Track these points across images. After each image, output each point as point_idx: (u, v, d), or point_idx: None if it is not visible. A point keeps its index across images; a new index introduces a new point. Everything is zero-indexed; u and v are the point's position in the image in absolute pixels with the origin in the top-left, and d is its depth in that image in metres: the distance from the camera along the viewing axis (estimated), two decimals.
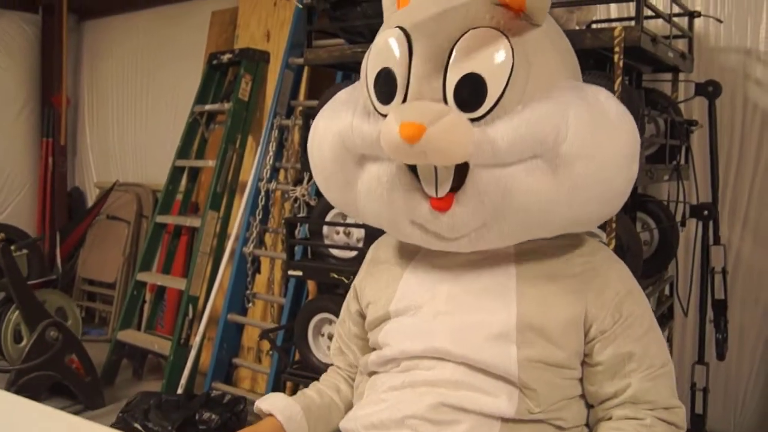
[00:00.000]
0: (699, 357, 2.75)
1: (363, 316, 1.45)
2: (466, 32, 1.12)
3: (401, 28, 1.17)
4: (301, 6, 3.13)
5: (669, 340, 2.97)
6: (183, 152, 4.26)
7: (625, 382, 1.22)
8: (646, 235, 2.79)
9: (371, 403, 1.31)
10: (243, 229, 3.73)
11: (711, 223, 2.63)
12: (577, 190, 1.12)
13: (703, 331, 2.67)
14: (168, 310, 4.55)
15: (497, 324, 1.21)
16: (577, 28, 2.57)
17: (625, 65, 2.60)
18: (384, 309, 1.34)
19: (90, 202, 5.81)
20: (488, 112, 1.11)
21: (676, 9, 2.73)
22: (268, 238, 3.82)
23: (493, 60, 1.11)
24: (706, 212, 2.59)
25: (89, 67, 5.97)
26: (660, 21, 2.56)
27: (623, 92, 2.21)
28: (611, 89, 2.21)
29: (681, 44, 2.84)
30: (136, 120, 5.55)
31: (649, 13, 2.51)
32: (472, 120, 1.11)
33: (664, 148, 2.61)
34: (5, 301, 3.77)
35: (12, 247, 3.72)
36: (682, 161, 2.83)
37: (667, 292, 2.92)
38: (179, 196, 4.38)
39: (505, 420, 1.19)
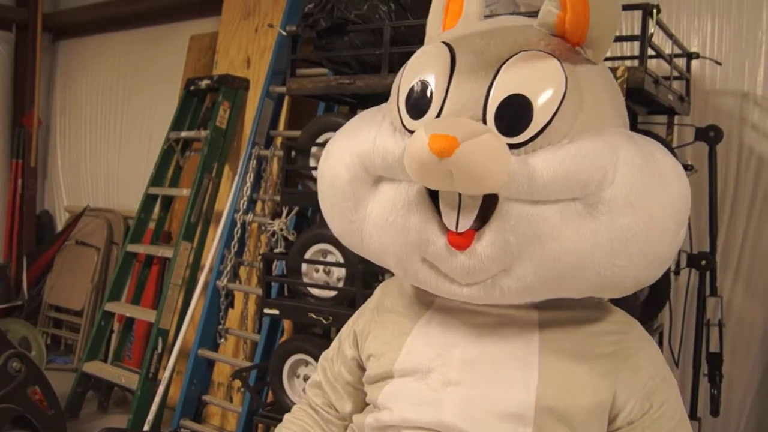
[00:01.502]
0: (691, 412, 2.60)
1: (360, 366, 1.30)
2: (517, 53, 1.00)
3: (445, 43, 1.05)
4: (284, 33, 2.99)
5: None
6: (157, 180, 4.08)
7: None
8: None
9: None
10: (217, 261, 3.54)
11: (708, 274, 2.48)
12: (617, 244, 0.97)
13: (696, 385, 2.52)
14: (136, 341, 4.36)
15: (514, 402, 1.06)
16: None
17: None
18: (387, 366, 1.18)
19: (60, 226, 5.61)
20: (531, 140, 0.97)
21: (676, 50, 2.62)
22: (243, 272, 3.63)
23: (544, 84, 0.98)
24: (703, 262, 2.45)
25: (62, 88, 5.79)
26: (658, 61, 2.43)
27: None
28: None
29: (678, 86, 2.73)
30: (110, 143, 5.36)
31: (651, 53, 2.39)
32: (512, 146, 0.98)
33: None
34: None
35: None
36: None
37: (658, 341, 2.79)
38: (152, 225, 4.19)
39: None
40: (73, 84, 5.69)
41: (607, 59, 2.75)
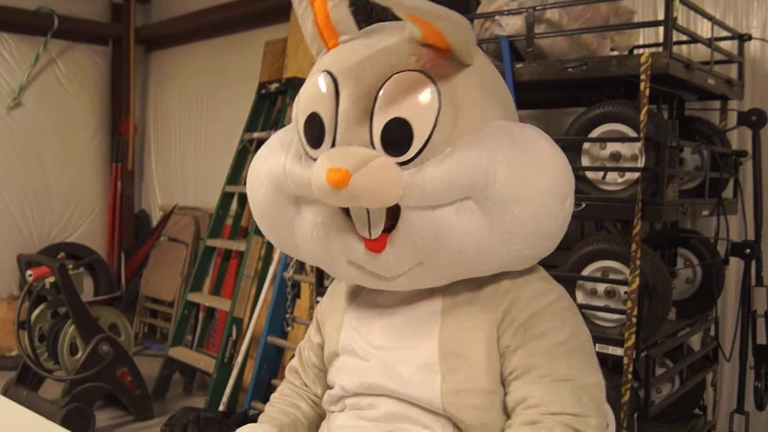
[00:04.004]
0: (738, 405, 2.47)
1: (322, 347, 1.38)
2: (390, 77, 1.05)
3: (328, 72, 1.11)
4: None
5: (713, 385, 2.70)
6: (232, 178, 4.20)
7: (525, 390, 1.11)
8: (689, 273, 2.54)
9: None
10: (284, 254, 3.59)
11: (753, 263, 2.34)
12: (509, 232, 1.06)
13: (743, 378, 2.39)
14: (218, 329, 4.47)
15: (422, 355, 1.16)
16: (615, 53, 2.36)
17: (663, 93, 2.39)
18: (335, 346, 1.29)
19: (155, 225, 5.81)
20: (416, 156, 1.05)
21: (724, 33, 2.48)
22: (308, 265, 3.66)
23: (419, 103, 1.05)
24: (747, 250, 2.33)
25: (155, 96, 6.01)
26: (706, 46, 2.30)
27: (650, 121, 1.99)
28: (637, 118, 1.99)
29: (732, 70, 2.58)
30: (196, 146, 5.53)
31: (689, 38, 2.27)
32: (401, 164, 1.06)
33: (706, 181, 2.36)
34: (64, 316, 3.77)
35: (69, 266, 3.68)
36: (730, 194, 2.56)
37: (713, 333, 2.66)
38: (229, 221, 4.31)
39: None
40: (164, 91, 5.90)
41: (641, 46, 2.64)
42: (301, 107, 1.15)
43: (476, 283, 1.18)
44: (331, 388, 1.29)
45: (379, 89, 1.06)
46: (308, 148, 1.13)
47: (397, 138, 1.05)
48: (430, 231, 1.07)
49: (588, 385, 1.13)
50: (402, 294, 1.22)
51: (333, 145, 1.10)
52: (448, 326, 1.16)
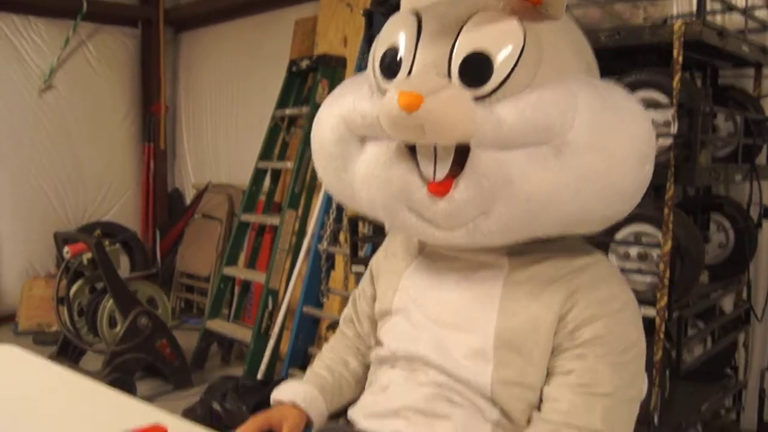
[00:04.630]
0: None
1: (375, 300, 1.38)
2: (475, 13, 1.04)
3: (412, 9, 1.11)
4: (362, 14, 3.06)
5: (745, 345, 2.76)
6: (265, 155, 4.27)
7: (561, 391, 1.11)
8: (722, 238, 2.60)
9: (371, 393, 1.30)
10: (317, 227, 3.68)
11: None
12: (582, 182, 1.02)
13: None
14: (254, 301, 4.58)
15: (477, 340, 1.14)
16: (645, 21, 2.39)
17: (696, 61, 2.43)
18: (387, 305, 1.29)
19: (188, 202, 5.91)
20: (493, 92, 1.02)
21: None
22: (342, 236, 3.74)
23: (502, 39, 1.03)
24: None
25: (185, 76, 6.07)
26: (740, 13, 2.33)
27: (683, 88, 2.04)
28: (670, 85, 2.03)
29: (767, 38, 2.60)
30: (228, 124, 5.60)
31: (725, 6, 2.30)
32: (477, 99, 1.02)
33: (739, 147, 2.40)
34: (102, 290, 3.88)
35: (106, 242, 3.79)
36: (764, 161, 2.61)
37: (745, 296, 2.71)
38: (263, 197, 4.40)
39: (495, 424, 1.15)
40: (194, 72, 5.96)
41: (675, 16, 2.66)
42: (380, 41, 1.14)
43: (539, 272, 1.15)
44: (380, 344, 1.30)
45: (463, 25, 1.04)
46: (382, 81, 1.11)
47: (475, 71, 1.02)
48: (499, 174, 1.02)
49: (626, 401, 1.12)
50: (461, 267, 1.20)
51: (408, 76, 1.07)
52: (506, 316, 1.13)
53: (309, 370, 1.42)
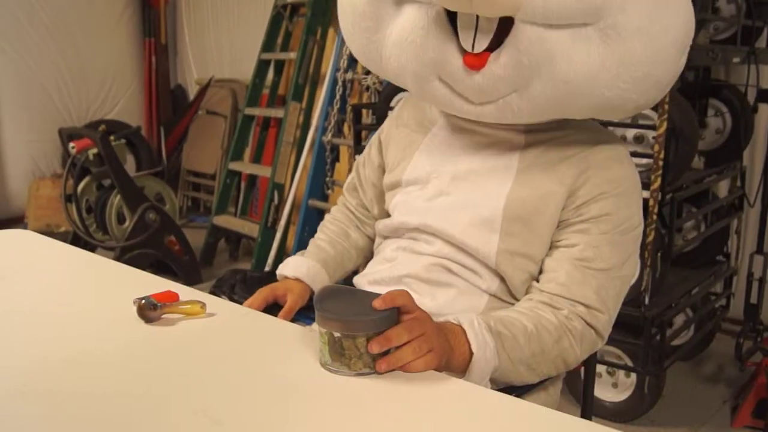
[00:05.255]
0: (758, 247, 2.64)
1: (383, 169, 1.44)
2: None
3: None
4: None
5: (737, 232, 2.87)
6: (267, 46, 4.30)
7: (559, 264, 1.18)
8: (719, 123, 2.66)
9: (377, 263, 1.37)
10: (321, 118, 3.76)
11: None
12: (623, 68, 1.04)
13: (764, 220, 2.53)
14: (260, 197, 4.69)
15: (487, 210, 1.20)
16: None
17: None
18: (398, 176, 1.34)
19: (192, 99, 5.93)
20: None
21: None
22: (347, 127, 3.84)
23: None
24: None
25: None
26: None
27: None
28: None
29: None
30: (229, 16, 5.56)
31: None
32: None
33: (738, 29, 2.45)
34: (109, 187, 3.98)
35: (111, 137, 3.88)
36: (764, 45, 2.65)
37: (739, 183, 2.80)
38: (266, 91, 4.45)
39: (492, 295, 1.23)
40: None
41: None
42: None
43: (555, 148, 1.20)
44: (388, 214, 1.36)
45: None
46: None
47: None
48: (541, 52, 1.02)
49: (619, 277, 1.18)
50: (477, 138, 1.25)
51: None
52: (518, 189, 1.18)
53: (311, 243, 1.50)
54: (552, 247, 1.21)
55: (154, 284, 1.35)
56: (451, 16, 1.07)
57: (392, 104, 2.79)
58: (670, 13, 1.04)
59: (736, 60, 2.46)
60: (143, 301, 1.15)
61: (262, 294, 1.37)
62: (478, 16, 1.03)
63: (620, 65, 1.03)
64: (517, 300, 1.23)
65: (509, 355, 1.09)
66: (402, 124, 1.40)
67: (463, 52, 1.07)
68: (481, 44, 1.04)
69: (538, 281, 1.22)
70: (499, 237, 1.19)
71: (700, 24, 2.20)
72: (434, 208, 1.25)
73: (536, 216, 1.18)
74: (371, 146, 1.49)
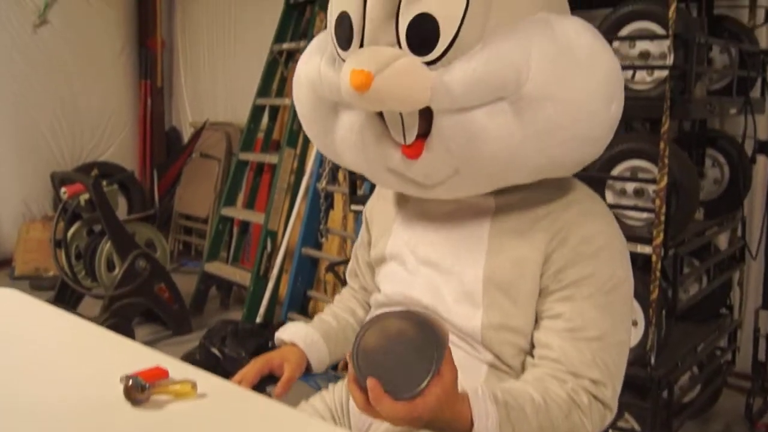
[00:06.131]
0: (764, 302, 2.61)
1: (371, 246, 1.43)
2: None
3: None
4: None
5: (740, 284, 2.83)
6: (263, 91, 4.32)
7: (551, 337, 1.13)
8: (717, 173, 2.65)
9: None
10: (316, 165, 3.75)
11: None
12: (545, 135, 1.02)
13: None
14: (253, 243, 4.67)
15: (467, 281, 1.17)
16: None
17: None
18: (382, 251, 1.33)
19: (186, 141, 5.96)
20: (443, 54, 1.02)
21: None
22: (341, 174, 3.81)
23: None
24: None
25: (182, 10, 6.06)
26: None
27: (678, 18, 2.07)
28: (666, 15, 2.07)
29: None
30: (226, 60, 5.61)
31: None
32: (429, 63, 1.03)
33: (734, 80, 2.44)
34: (100, 233, 3.94)
35: (103, 183, 3.85)
36: (758, 94, 2.65)
37: (740, 233, 2.78)
38: (261, 134, 4.45)
39: (490, 365, 1.18)
40: (191, 5, 5.94)
41: None
42: (332, 7, 1.13)
43: (526, 210, 1.17)
44: (378, 290, 1.34)
45: None
46: (339, 50, 1.11)
47: (422, 36, 1.01)
48: (462, 135, 1.04)
49: (615, 344, 1.13)
50: (450, 208, 1.23)
51: (361, 45, 1.07)
52: (493, 258, 1.16)
53: (316, 317, 1.47)
54: (538, 318, 1.16)
55: (142, 356, 1.30)
56: (381, 114, 1.11)
57: None
58: (582, 72, 1.02)
59: (732, 111, 2.45)
60: (130, 382, 1.09)
61: (257, 365, 1.32)
62: (401, 113, 1.07)
63: (541, 133, 1.02)
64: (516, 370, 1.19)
65: (515, 428, 1.05)
66: (382, 197, 1.41)
67: (400, 144, 1.11)
68: (412, 135, 1.09)
69: (532, 356, 1.17)
70: (482, 311, 1.16)
71: (698, 77, 2.20)
72: (416, 282, 1.24)
73: (515, 285, 1.15)
74: (362, 227, 1.49)
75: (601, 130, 1.08)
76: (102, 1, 5.73)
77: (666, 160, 2.13)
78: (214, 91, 5.75)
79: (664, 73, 2.13)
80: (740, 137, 2.61)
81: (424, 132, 1.08)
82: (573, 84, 1.01)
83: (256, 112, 4.37)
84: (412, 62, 1.03)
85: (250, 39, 5.30)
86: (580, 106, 1.02)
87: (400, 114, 1.08)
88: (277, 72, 4.31)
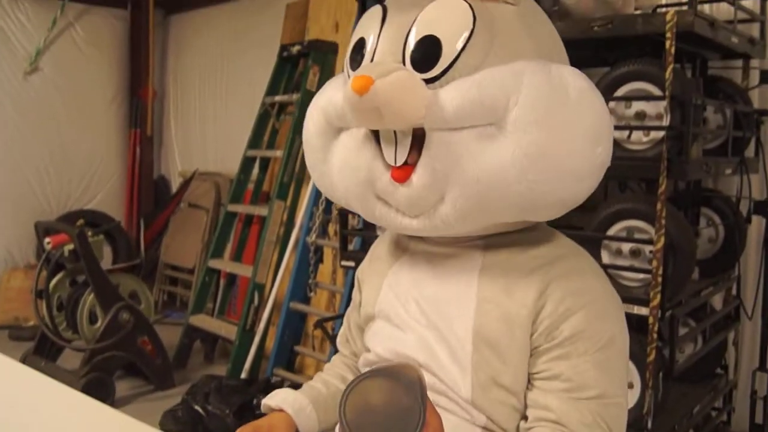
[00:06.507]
0: (760, 364, 2.58)
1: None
2: (433, 0, 1.11)
3: (381, 4, 1.18)
4: None
5: (735, 343, 2.80)
6: (254, 143, 4.31)
7: (548, 398, 1.10)
8: (711, 233, 2.63)
9: None
10: (306, 218, 3.72)
11: None
12: (527, 160, 1.03)
13: (765, 336, 2.48)
14: (239, 296, 4.61)
15: (456, 339, 1.15)
16: (636, 12, 2.44)
17: (686, 52, 2.47)
18: (371, 309, 1.30)
19: (174, 191, 5.94)
20: (442, 74, 1.07)
21: None
22: (332, 228, 3.78)
23: (451, 22, 1.09)
24: None
25: (174, 60, 6.11)
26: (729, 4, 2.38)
27: (675, 80, 2.08)
28: (662, 76, 2.07)
29: (754, 29, 2.65)
30: (216, 110, 5.63)
31: None
32: (427, 81, 1.08)
33: (728, 140, 2.44)
34: (83, 284, 3.88)
35: (89, 233, 3.80)
36: (752, 153, 2.65)
37: (735, 292, 2.75)
38: (251, 186, 4.43)
39: (483, 428, 1.14)
40: (184, 56, 6.00)
41: (664, 5, 2.72)
42: (353, 35, 1.21)
43: (513, 265, 1.17)
44: (367, 350, 1.31)
45: (420, 12, 1.11)
46: (350, 72, 1.18)
47: (424, 54, 1.09)
48: (448, 155, 1.07)
49: (613, 404, 1.11)
50: (438, 263, 1.23)
51: None
52: (482, 316, 1.14)
53: (305, 384, 1.44)
54: (531, 379, 1.14)
55: (118, 423, 1.23)
56: (377, 135, 1.15)
57: None
58: (571, 109, 1.06)
59: (728, 171, 2.45)
60: None
61: None
62: (396, 132, 1.11)
63: (524, 157, 1.03)
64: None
65: None
66: (375, 258, 1.39)
67: (390, 167, 1.13)
68: (402, 156, 1.11)
69: (526, 418, 1.13)
70: (471, 369, 1.13)
71: (694, 137, 2.19)
72: (407, 339, 1.21)
73: (504, 342, 1.12)
74: (354, 289, 1.46)
75: (585, 170, 1.08)
76: (95, 49, 5.78)
77: (663, 221, 2.11)
78: (204, 141, 5.75)
79: (661, 133, 2.13)
80: (734, 196, 2.60)
81: (414, 161, 1.10)
82: (561, 117, 1.04)
83: (247, 163, 4.34)
84: (412, 75, 1.08)
85: (242, 90, 5.33)
86: (565, 138, 1.05)
87: (395, 133, 1.11)
88: (269, 124, 4.31)
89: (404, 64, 1.10)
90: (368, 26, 1.18)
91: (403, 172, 1.11)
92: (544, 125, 1.03)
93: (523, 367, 1.13)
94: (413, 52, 1.10)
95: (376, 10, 1.18)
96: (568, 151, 1.05)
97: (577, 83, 1.08)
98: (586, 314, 1.11)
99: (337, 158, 1.21)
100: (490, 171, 1.05)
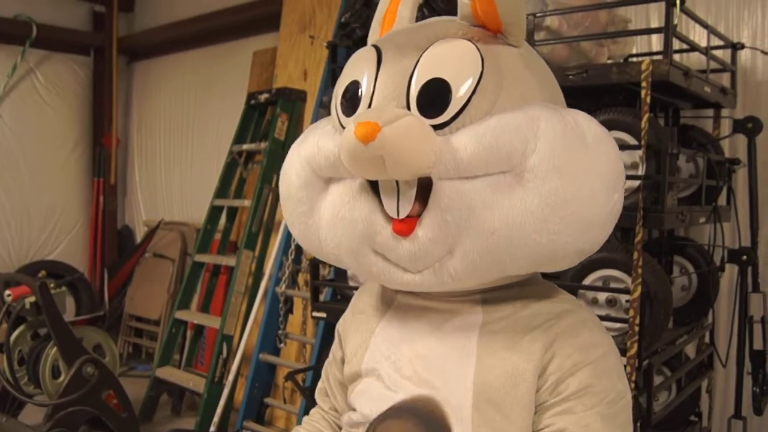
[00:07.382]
0: (736, 411, 2.57)
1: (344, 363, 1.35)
2: (434, 42, 1.05)
3: (373, 45, 1.13)
4: (326, 46, 3.09)
5: (708, 391, 2.80)
6: (221, 192, 4.25)
7: None
8: (684, 281, 2.64)
9: None
10: (275, 268, 3.67)
11: (750, 269, 2.45)
12: (548, 210, 0.98)
13: (740, 383, 2.48)
14: (207, 347, 4.52)
15: (455, 398, 1.09)
16: (610, 62, 2.46)
17: (659, 101, 2.49)
18: (357, 366, 1.23)
19: (139, 240, 5.85)
20: (452, 119, 1.02)
21: (717, 41, 2.59)
22: (301, 278, 3.73)
23: (460, 66, 1.03)
24: (744, 257, 2.43)
25: (138, 107, 6.08)
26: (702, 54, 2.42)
27: (650, 129, 2.09)
28: (638, 126, 2.08)
29: (724, 78, 2.69)
30: (182, 159, 5.60)
31: (685, 46, 2.38)
32: (436, 127, 1.02)
33: (702, 189, 2.46)
34: (45, 337, 3.77)
35: (51, 285, 3.70)
36: (724, 202, 2.67)
37: (708, 340, 2.76)
38: (218, 235, 4.36)
39: None
40: (148, 103, 5.97)
41: (635, 55, 2.76)
42: (342, 79, 1.14)
43: (516, 320, 1.13)
44: (352, 409, 1.25)
45: (422, 54, 1.05)
46: (342, 117, 1.11)
47: (433, 98, 1.02)
48: (461, 206, 1.00)
49: None
50: (434, 318, 1.17)
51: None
52: (483, 372, 1.10)
53: None
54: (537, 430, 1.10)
55: None
56: (374, 186, 1.08)
57: None
58: (590, 155, 1.01)
59: (702, 220, 2.46)
60: None
61: None
62: (398, 182, 1.04)
63: (545, 206, 0.98)
64: None
65: None
66: (358, 311, 1.32)
67: (391, 219, 1.07)
68: (405, 209, 1.05)
69: None
70: (472, 429, 1.08)
71: (670, 186, 2.20)
72: (399, 398, 1.13)
73: (508, 399, 1.08)
74: (334, 344, 1.40)
75: (604, 217, 1.04)
76: (56, 95, 5.72)
77: (639, 270, 2.10)
78: (169, 190, 5.69)
79: (636, 182, 2.13)
80: (706, 244, 2.61)
81: (418, 213, 1.04)
82: (580, 162, 1.00)
83: (214, 212, 4.27)
84: (420, 120, 1.02)
85: (209, 138, 5.31)
86: (584, 184, 1.00)
87: (397, 183, 1.04)
88: (236, 173, 4.25)
89: (408, 109, 1.04)
90: (361, 68, 1.11)
91: (406, 225, 1.04)
92: (564, 172, 0.98)
93: (527, 423, 1.09)
94: (419, 96, 1.03)
95: (368, 52, 1.12)
96: (589, 198, 1.01)
97: (592, 129, 1.04)
98: (593, 369, 1.08)
99: (328, 212, 1.13)
100: (507, 222, 0.99)
